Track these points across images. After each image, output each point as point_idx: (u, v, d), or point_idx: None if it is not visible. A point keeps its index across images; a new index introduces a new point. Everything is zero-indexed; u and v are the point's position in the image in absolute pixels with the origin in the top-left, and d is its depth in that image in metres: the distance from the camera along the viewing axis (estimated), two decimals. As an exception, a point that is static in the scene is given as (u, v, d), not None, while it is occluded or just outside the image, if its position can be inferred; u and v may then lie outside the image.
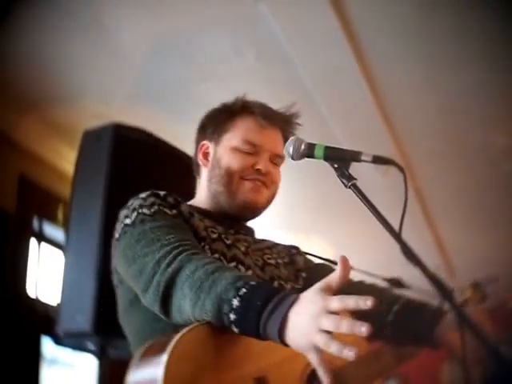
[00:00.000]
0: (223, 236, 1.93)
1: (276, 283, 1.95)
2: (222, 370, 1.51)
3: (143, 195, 1.90)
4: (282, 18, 3.38)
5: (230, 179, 1.99)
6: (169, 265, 1.63)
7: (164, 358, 1.43)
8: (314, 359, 1.37)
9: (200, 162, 2.12)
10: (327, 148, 1.71)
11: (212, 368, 1.49)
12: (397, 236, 1.55)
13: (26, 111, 4.12)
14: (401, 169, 1.62)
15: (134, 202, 1.89)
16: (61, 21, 3.39)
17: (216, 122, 2.10)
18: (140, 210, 1.84)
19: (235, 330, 1.45)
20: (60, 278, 3.04)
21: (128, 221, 1.84)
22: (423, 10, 3.37)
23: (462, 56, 3.70)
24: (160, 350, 1.46)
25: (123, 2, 3.31)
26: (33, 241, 4.28)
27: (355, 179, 1.65)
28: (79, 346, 3.05)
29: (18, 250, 4.10)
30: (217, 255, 1.85)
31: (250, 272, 1.89)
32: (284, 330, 1.38)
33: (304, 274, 2.12)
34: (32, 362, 4.04)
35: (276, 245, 2.16)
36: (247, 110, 2.07)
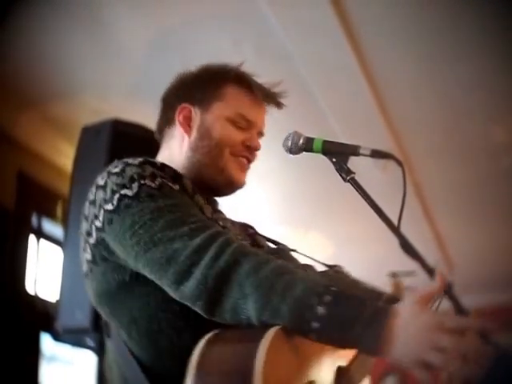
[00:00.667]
0: (215, 216, 1.78)
1: None
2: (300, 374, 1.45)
3: (136, 162, 1.66)
4: (281, 14, 3.37)
5: (220, 153, 1.84)
6: (218, 257, 1.44)
7: (262, 349, 1.31)
8: (421, 375, 1.30)
9: (180, 127, 1.90)
10: (325, 142, 1.70)
11: (295, 370, 1.43)
12: (396, 230, 1.55)
13: (25, 108, 4.12)
14: (399, 163, 1.61)
15: (126, 168, 1.65)
16: (60, 18, 3.39)
17: (204, 86, 1.92)
18: (142, 181, 1.61)
19: (315, 337, 1.37)
20: (59, 274, 3.04)
21: (128, 192, 1.60)
22: (421, 5, 3.37)
23: (462, 52, 3.70)
24: (251, 340, 1.35)
25: (123, -1, 3.31)
26: (32, 237, 4.28)
27: (354, 173, 1.64)
28: (78, 343, 3.06)
29: (17, 247, 4.10)
30: None
31: None
32: (385, 343, 1.31)
33: None
34: (31, 358, 4.04)
35: (233, 222, 1.97)
36: (241, 80, 1.92)
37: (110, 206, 1.61)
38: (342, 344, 1.39)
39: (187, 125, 1.89)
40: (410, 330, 1.30)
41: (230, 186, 1.89)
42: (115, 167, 1.67)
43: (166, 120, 1.96)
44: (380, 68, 3.84)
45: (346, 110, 4.16)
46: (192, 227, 1.51)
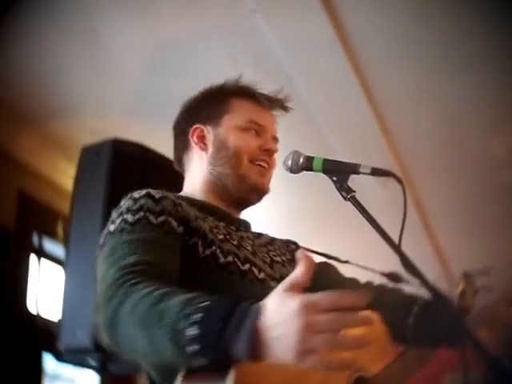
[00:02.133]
0: (228, 236, 1.79)
1: None
2: None
3: (137, 195, 1.73)
4: (278, 28, 3.38)
5: (239, 161, 1.89)
6: (111, 298, 1.42)
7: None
8: (316, 362, 1.16)
9: (196, 147, 1.96)
10: (326, 161, 1.71)
11: None
12: (396, 248, 1.55)
13: (24, 127, 4.12)
14: (399, 180, 1.62)
15: (124, 204, 1.73)
16: (57, 35, 3.40)
17: (210, 104, 1.99)
18: (124, 216, 1.66)
19: (201, 361, 1.26)
20: (60, 293, 3.04)
21: (112, 227, 1.67)
22: (420, 20, 3.37)
23: (461, 65, 3.70)
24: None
25: (119, 15, 3.31)
26: (33, 257, 4.27)
27: (354, 191, 1.65)
28: (80, 362, 3.05)
29: (18, 266, 4.09)
30: (230, 258, 1.71)
31: (262, 274, 1.76)
32: (255, 345, 1.20)
33: None
34: (33, 378, 4.02)
35: (274, 239, 2.06)
36: (243, 91, 2.00)
37: (101, 242, 1.68)
38: (226, 360, 1.25)
39: (202, 143, 1.95)
40: (278, 323, 1.18)
41: (254, 192, 1.93)
42: (122, 200, 1.76)
43: (182, 146, 2.02)
44: (380, 85, 3.84)
45: (345, 127, 4.17)
46: (121, 265, 1.51)
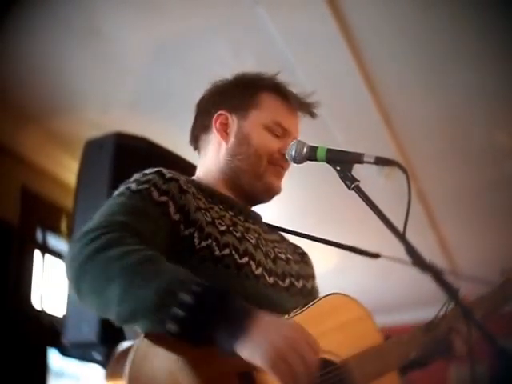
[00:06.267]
0: (231, 228, 1.77)
1: (288, 280, 1.85)
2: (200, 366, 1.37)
3: (148, 171, 1.74)
4: (281, 22, 3.39)
5: (259, 161, 1.87)
6: (93, 240, 1.43)
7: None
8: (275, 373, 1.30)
9: (217, 133, 1.93)
10: (329, 150, 1.71)
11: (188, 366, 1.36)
12: (401, 237, 1.55)
13: (27, 123, 4.13)
14: (403, 169, 1.61)
15: (135, 176, 1.74)
16: (59, 31, 3.40)
17: (240, 94, 1.95)
18: (129, 185, 1.68)
19: (174, 329, 1.31)
20: (65, 289, 3.04)
21: (115, 192, 1.69)
22: (423, 14, 3.37)
23: (463, 57, 3.70)
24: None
25: (122, 10, 3.31)
26: (37, 252, 4.28)
27: (358, 181, 1.64)
28: (85, 357, 3.05)
29: (22, 263, 4.10)
30: (227, 250, 1.70)
31: (259, 270, 1.76)
32: (240, 340, 1.30)
33: (312, 283, 2.01)
34: (39, 374, 4.03)
35: (283, 239, 2.04)
36: (277, 89, 1.97)
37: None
38: (198, 338, 1.33)
39: (224, 131, 1.92)
40: (270, 329, 1.31)
41: (268, 192, 1.92)
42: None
43: (203, 126, 1.98)
44: (383, 77, 3.84)
45: (348, 118, 4.16)
46: (107, 219, 1.53)
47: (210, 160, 1.95)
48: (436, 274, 1.47)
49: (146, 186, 1.66)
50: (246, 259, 1.73)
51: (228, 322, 1.31)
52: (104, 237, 1.44)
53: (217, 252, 1.68)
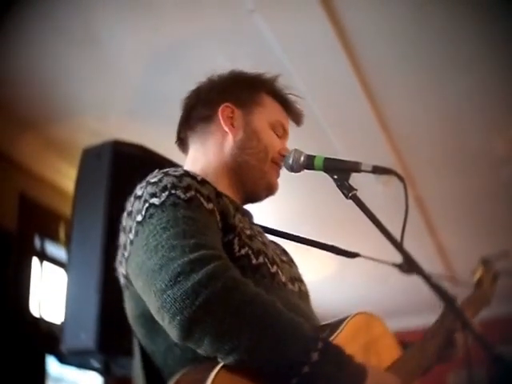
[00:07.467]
0: (251, 232, 1.70)
1: (296, 284, 1.79)
2: None
3: (176, 172, 1.59)
4: (278, 29, 3.39)
5: (266, 158, 1.84)
6: (214, 276, 1.34)
7: None
8: None
9: (222, 125, 1.86)
10: (327, 159, 1.71)
11: None
12: (398, 246, 1.55)
13: (25, 130, 4.12)
14: (401, 178, 1.62)
15: (163, 178, 1.57)
16: (57, 37, 3.40)
17: (246, 89, 1.93)
18: (173, 191, 1.52)
19: (295, 382, 1.36)
20: (63, 296, 3.04)
21: (156, 201, 1.51)
22: (419, 18, 3.38)
23: (460, 63, 3.71)
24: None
25: (118, 17, 3.32)
26: (35, 260, 4.27)
27: (355, 190, 1.64)
28: (83, 364, 3.05)
29: (21, 270, 4.10)
30: (261, 259, 1.64)
31: (284, 277, 1.70)
32: None
33: (304, 285, 1.92)
34: (37, 381, 4.03)
35: (271, 240, 1.92)
36: (277, 92, 1.96)
37: (139, 217, 1.53)
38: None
39: (231, 124, 1.87)
40: None
41: (268, 190, 1.89)
42: (154, 177, 1.61)
43: (203, 116, 1.91)
44: (380, 83, 3.85)
45: (346, 126, 4.17)
46: (199, 243, 1.41)
47: (210, 152, 1.88)
48: (433, 283, 1.48)
49: (193, 193, 1.54)
50: (275, 268, 1.68)
51: (348, 378, 1.40)
52: (220, 272, 1.37)
53: (254, 261, 1.62)
